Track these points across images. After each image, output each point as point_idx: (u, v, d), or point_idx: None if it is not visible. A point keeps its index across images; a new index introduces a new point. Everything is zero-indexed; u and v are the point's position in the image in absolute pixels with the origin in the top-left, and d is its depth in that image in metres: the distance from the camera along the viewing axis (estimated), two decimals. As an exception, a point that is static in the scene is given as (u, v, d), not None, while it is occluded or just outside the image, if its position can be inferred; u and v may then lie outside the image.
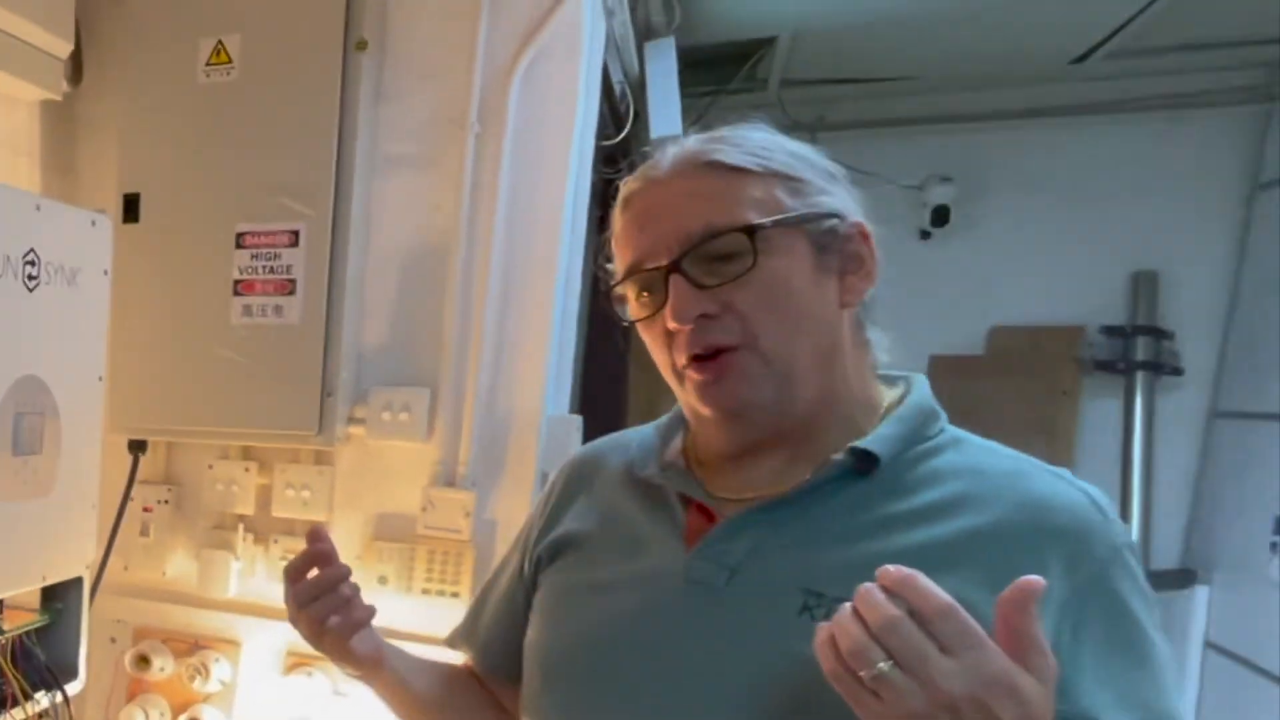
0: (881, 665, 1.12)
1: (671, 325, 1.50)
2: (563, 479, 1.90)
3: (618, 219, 1.63)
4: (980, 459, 1.52)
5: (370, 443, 2.88)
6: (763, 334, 1.47)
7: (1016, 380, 5.47)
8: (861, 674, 1.13)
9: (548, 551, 1.80)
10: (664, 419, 1.80)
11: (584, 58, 2.76)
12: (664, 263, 1.51)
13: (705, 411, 1.56)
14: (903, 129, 5.47)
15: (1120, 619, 1.39)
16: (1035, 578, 1.15)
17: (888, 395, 1.61)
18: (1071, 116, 5.30)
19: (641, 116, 3.57)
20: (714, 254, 1.48)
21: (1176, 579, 5.21)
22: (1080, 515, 1.42)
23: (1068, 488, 1.47)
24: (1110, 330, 5.35)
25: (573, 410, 2.98)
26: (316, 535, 1.78)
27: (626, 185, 1.64)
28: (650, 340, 1.61)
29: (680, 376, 1.56)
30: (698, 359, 1.51)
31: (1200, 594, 5.10)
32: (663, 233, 1.52)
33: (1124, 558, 1.42)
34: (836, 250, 1.51)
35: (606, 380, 3.62)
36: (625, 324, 1.65)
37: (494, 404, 2.81)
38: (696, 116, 4.09)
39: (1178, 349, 5.32)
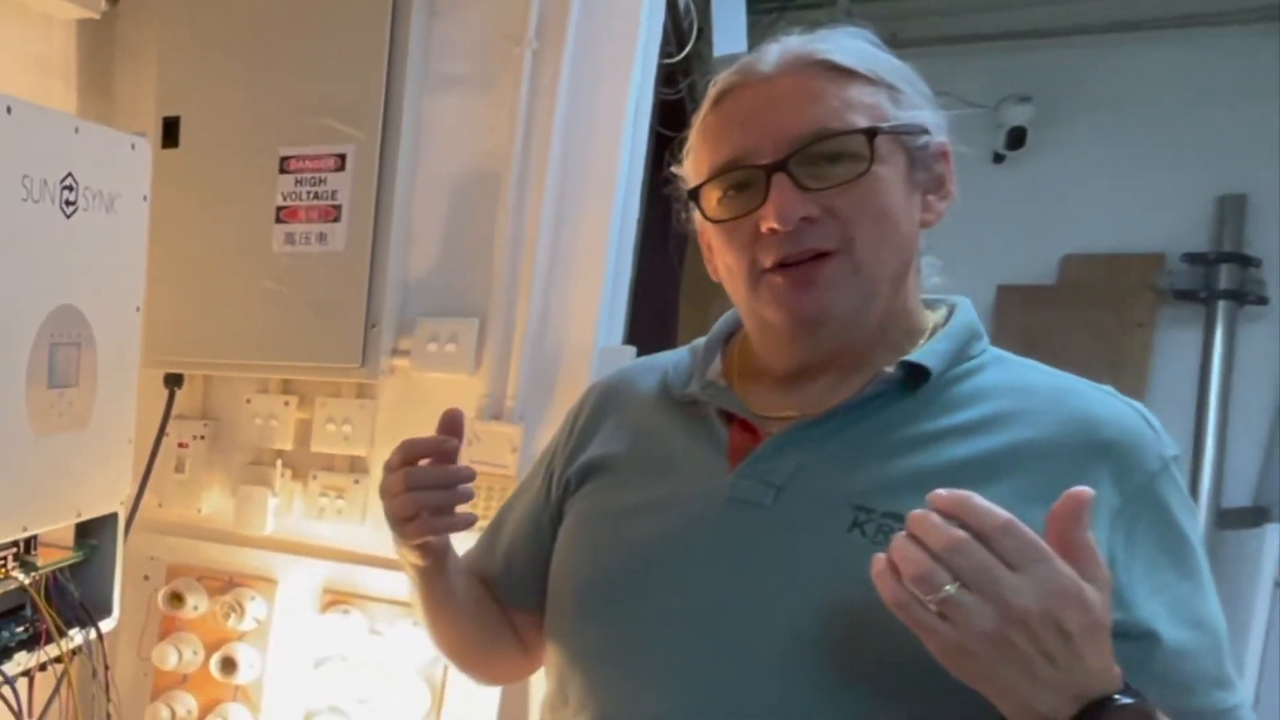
0: (949, 588, 1.15)
1: (770, 225, 1.49)
2: (590, 402, 1.91)
3: (707, 114, 1.63)
4: (1025, 375, 1.57)
5: (415, 375, 2.89)
6: (860, 242, 1.48)
7: (1089, 311, 5.44)
8: (928, 599, 1.16)
9: (577, 475, 1.82)
10: (699, 341, 1.81)
11: (648, -34, 2.72)
12: (767, 161, 1.50)
13: (777, 319, 1.57)
14: (978, 46, 5.40)
15: (1170, 531, 1.44)
16: (1085, 489, 1.19)
17: (931, 318, 1.64)
18: (1159, 30, 5.22)
19: (705, 32, 3.54)
20: (823, 156, 1.48)
21: (1249, 516, 5.22)
22: (1129, 428, 1.46)
23: (1115, 402, 1.51)
24: (1192, 257, 5.31)
25: (624, 342, 2.97)
26: (453, 422, 1.72)
27: (723, 80, 1.63)
28: (727, 242, 1.59)
29: (757, 281, 1.56)
30: (785, 265, 1.51)
31: (1272, 532, 5.09)
32: (768, 130, 1.52)
33: (1171, 471, 1.46)
34: (924, 167, 1.54)
35: (655, 312, 3.61)
36: (683, 226, 1.71)
37: (544, 335, 2.81)
38: (761, 35, 4.06)
39: (1264, 277, 5.28)
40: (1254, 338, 5.29)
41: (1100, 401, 1.50)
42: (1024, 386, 1.53)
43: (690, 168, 1.66)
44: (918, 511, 1.19)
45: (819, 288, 1.50)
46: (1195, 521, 1.47)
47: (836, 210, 1.47)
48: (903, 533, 1.19)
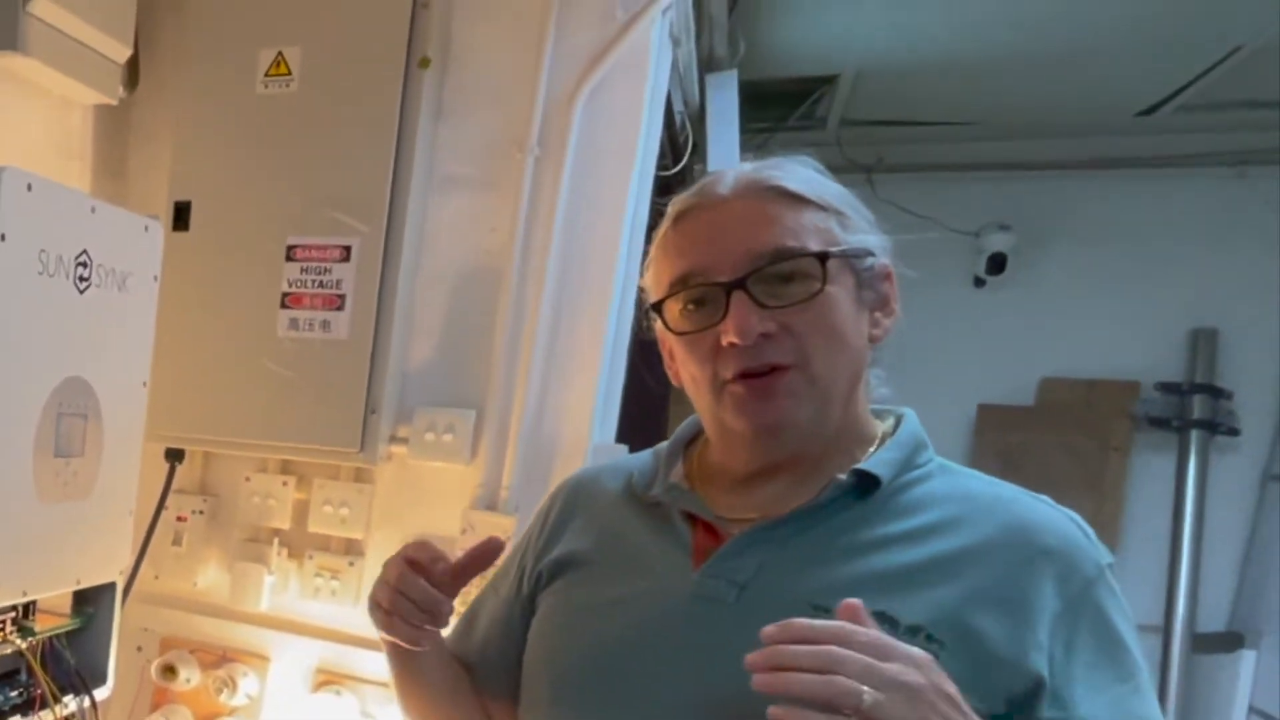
0: (866, 695, 1.17)
1: (731, 340, 1.53)
2: (560, 499, 1.92)
3: (667, 231, 1.68)
4: (967, 484, 1.61)
5: (412, 462, 2.88)
6: (815, 357, 1.52)
7: (1066, 434, 5.45)
8: (859, 706, 1.17)
9: (549, 570, 1.82)
10: (663, 445, 1.84)
11: (649, 85, 2.76)
12: (726, 278, 1.54)
13: (739, 426, 1.60)
14: (961, 174, 5.46)
15: (1107, 635, 1.46)
16: (854, 601, 1.27)
17: (881, 427, 1.67)
18: (1136, 169, 5.29)
19: (699, 148, 3.57)
20: (779, 275, 1.52)
21: (1223, 642, 5.19)
22: (1066, 536, 1.50)
23: (1051, 510, 1.55)
24: (1166, 387, 5.33)
25: (616, 440, 2.96)
26: (490, 549, 1.69)
27: (680, 201, 1.67)
28: (689, 353, 1.63)
29: (720, 391, 1.59)
30: (746, 376, 1.55)
31: (1247, 658, 5.08)
32: (727, 249, 1.56)
33: (1106, 578, 1.49)
34: (871, 286, 1.58)
35: (647, 413, 3.62)
36: (649, 337, 1.74)
37: (539, 428, 2.81)
38: (753, 152, 4.11)
39: (1235, 409, 5.29)
40: (1227, 466, 5.30)
41: (1037, 510, 1.54)
42: (966, 494, 1.57)
43: (651, 280, 1.70)
44: (785, 647, 1.22)
45: (778, 397, 1.54)
46: (1131, 627, 1.50)
47: (792, 327, 1.52)
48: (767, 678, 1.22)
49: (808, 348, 1.52)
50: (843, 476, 1.55)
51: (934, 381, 5.26)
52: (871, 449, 1.62)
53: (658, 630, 1.58)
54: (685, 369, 1.66)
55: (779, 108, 4.87)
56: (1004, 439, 5.49)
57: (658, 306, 1.67)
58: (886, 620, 1.40)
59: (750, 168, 1.63)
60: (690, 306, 1.61)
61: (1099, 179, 5.37)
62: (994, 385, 5.55)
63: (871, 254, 1.57)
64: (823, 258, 1.51)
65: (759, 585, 1.54)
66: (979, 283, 5.49)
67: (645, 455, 1.85)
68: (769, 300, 1.52)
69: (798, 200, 1.55)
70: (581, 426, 2.79)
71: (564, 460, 2.79)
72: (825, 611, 1.40)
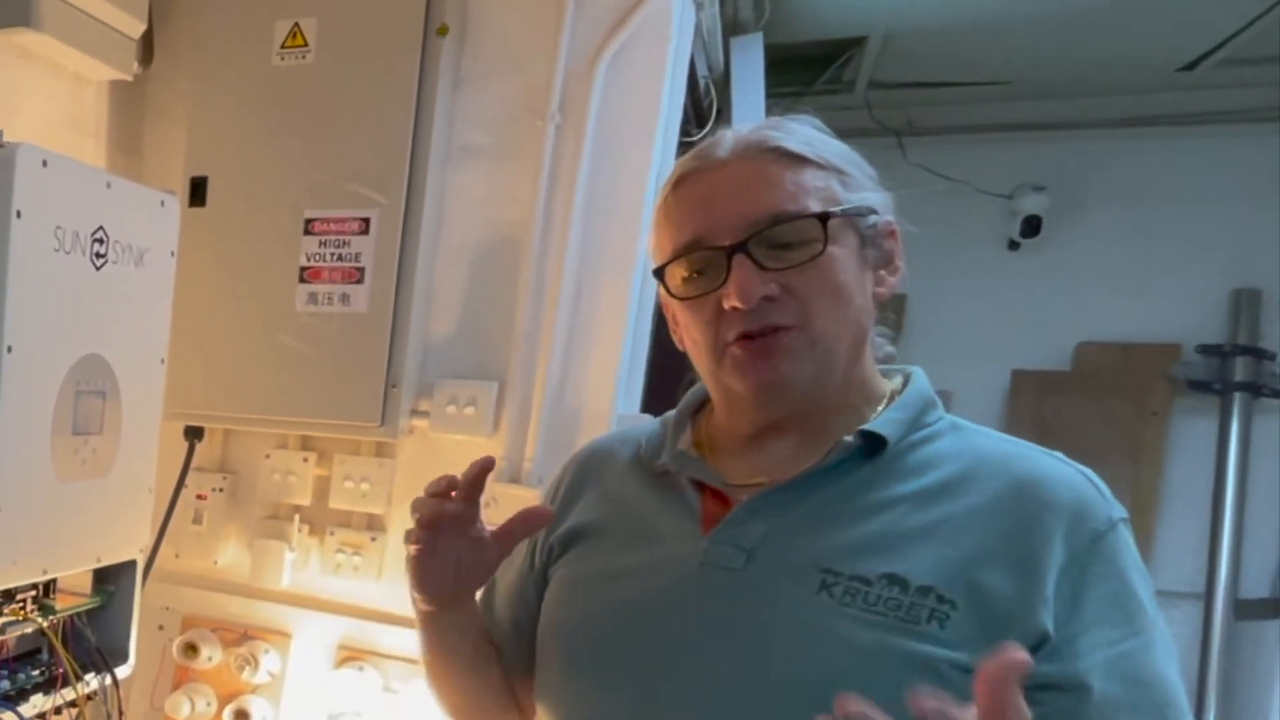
0: None
1: (733, 304, 1.55)
2: (570, 472, 1.95)
3: (668, 196, 1.69)
4: (977, 442, 1.62)
5: (433, 436, 2.90)
6: (816, 318, 1.54)
7: (1104, 399, 5.42)
8: None
9: (560, 542, 1.85)
10: (672, 412, 1.86)
11: (671, 49, 2.76)
12: (727, 243, 1.56)
13: (740, 386, 1.62)
14: (995, 135, 5.42)
15: (1118, 588, 1.45)
16: (1021, 655, 1.11)
17: (889, 387, 1.69)
18: (1176, 126, 5.24)
19: (724, 113, 3.56)
20: (779, 238, 1.54)
21: (1266, 608, 5.17)
22: (1078, 490, 1.51)
23: (1065, 466, 1.55)
24: (1207, 349, 5.30)
25: (641, 410, 2.98)
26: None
27: (680, 165, 1.69)
28: (693, 318, 1.65)
29: (722, 354, 1.61)
30: (747, 336, 1.57)
31: (1290, 625, 5.07)
32: (727, 213, 1.58)
33: (1120, 531, 1.49)
34: (874, 245, 1.61)
35: (671, 383, 3.63)
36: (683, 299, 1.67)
37: (563, 400, 2.83)
38: (779, 116, 4.10)
39: (1279, 370, 5.26)
40: (1270, 430, 5.26)
41: (1049, 465, 1.55)
42: (977, 453, 1.58)
43: (654, 246, 1.72)
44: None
45: (778, 357, 1.56)
46: (1146, 582, 1.49)
47: (794, 289, 1.54)
48: None
49: (809, 309, 1.54)
50: (849, 439, 1.57)
51: (967, 347, 5.27)
52: (880, 408, 1.64)
53: (667, 599, 1.60)
54: (688, 334, 1.69)
55: (806, 71, 4.85)
56: (1040, 405, 5.47)
57: (659, 272, 1.69)
58: (897, 582, 1.44)
59: (749, 129, 1.64)
60: (694, 273, 1.63)
61: (1137, 137, 5.33)
62: (1029, 350, 5.53)
63: (874, 211, 1.60)
64: (823, 218, 1.53)
65: (767, 550, 1.56)
66: (1013, 246, 5.47)
67: (654, 424, 1.87)
68: (770, 263, 1.54)
69: (798, 160, 1.57)
70: (605, 397, 2.80)
71: (588, 431, 2.80)
72: (833, 574, 1.48)
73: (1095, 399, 5.42)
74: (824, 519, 1.56)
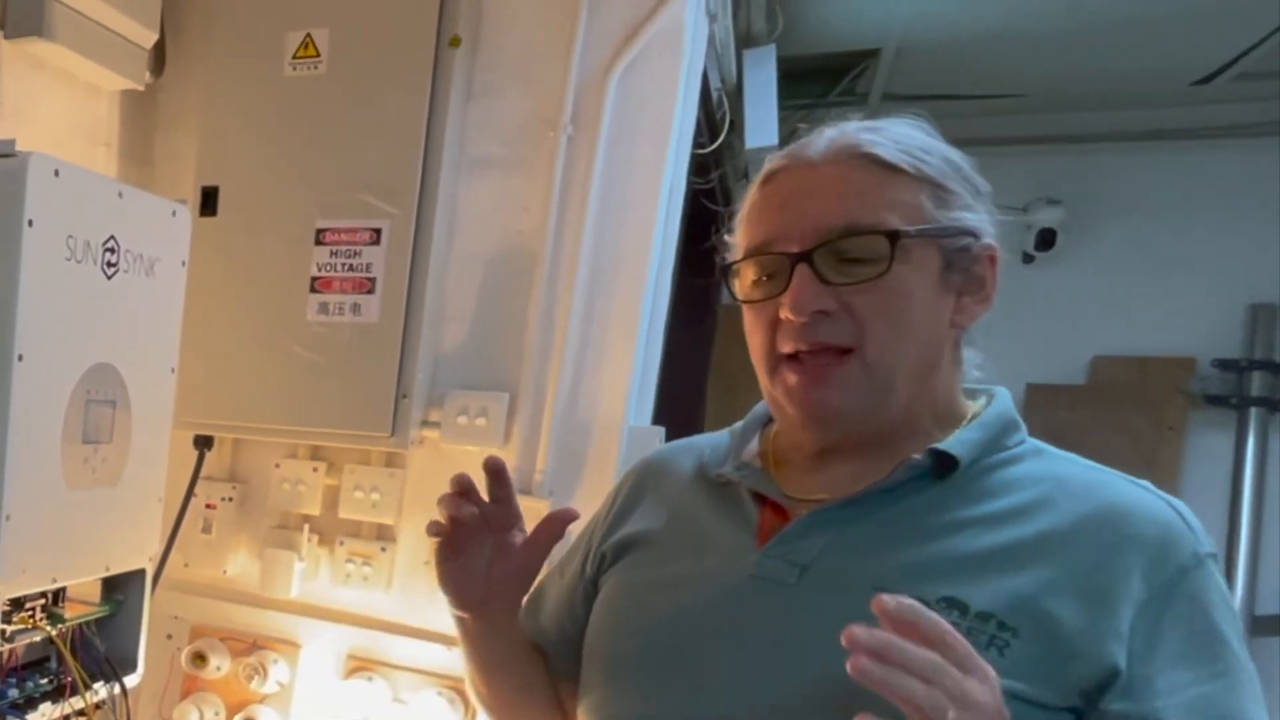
0: (951, 713, 1.16)
1: (786, 315, 1.52)
2: (631, 480, 1.93)
3: (755, 192, 1.65)
4: (1060, 468, 1.54)
5: (444, 447, 2.90)
6: (872, 341, 1.49)
7: (1119, 413, 5.43)
8: None
9: (613, 550, 1.83)
10: (739, 423, 1.83)
11: (684, 61, 2.76)
12: (794, 249, 1.52)
13: (791, 411, 1.59)
14: (1009, 148, 5.41)
15: (1200, 627, 1.39)
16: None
17: (971, 408, 1.63)
18: (1191, 139, 5.24)
19: (737, 125, 3.57)
20: (847, 252, 1.49)
21: (1281, 625, 5.17)
22: (1163, 523, 1.44)
23: (1151, 497, 1.49)
24: (1224, 364, 5.30)
25: (653, 423, 2.97)
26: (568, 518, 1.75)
27: (772, 161, 1.64)
28: (753, 323, 1.62)
29: (774, 367, 1.59)
30: (796, 356, 1.54)
31: (1307, 641, 5.05)
32: (800, 218, 1.53)
33: (1207, 568, 1.43)
34: (962, 269, 1.53)
35: (684, 396, 3.63)
36: (730, 301, 1.68)
37: (574, 411, 2.83)
38: (792, 129, 4.10)
39: (1296, 386, 5.24)
40: (1286, 445, 5.27)
41: (1134, 495, 1.48)
42: (1058, 479, 1.51)
43: (736, 240, 1.68)
44: (899, 643, 1.20)
45: (830, 387, 1.52)
46: (1234, 621, 1.43)
47: (853, 307, 1.49)
48: (873, 668, 1.19)
49: (866, 331, 1.49)
50: (917, 456, 1.51)
51: (978, 353, 5.27)
52: (957, 430, 1.57)
53: (715, 611, 1.57)
54: (749, 339, 1.65)
55: (819, 83, 4.84)
56: (1054, 419, 5.45)
57: (726, 269, 1.67)
58: (956, 606, 1.40)
59: (851, 129, 1.58)
60: (763, 277, 1.59)
61: (1152, 151, 5.34)
62: (1043, 364, 5.52)
63: (969, 234, 1.53)
64: (893, 237, 1.47)
65: (822, 567, 1.52)
66: (1027, 259, 5.47)
67: (722, 434, 1.84)
68: (834, 276, 1.49)
69: (888, 170, 1.51)
70: (617, 408, 2.80)
71: (599, 443, 2.81)
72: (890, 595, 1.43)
73: (1110, 413, 5.42)
74: (885, 538, 1.52)
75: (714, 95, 3.44)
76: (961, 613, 1.39)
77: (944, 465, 1.51)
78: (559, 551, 1.83)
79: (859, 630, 1.20)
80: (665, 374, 2.94)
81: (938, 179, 1.52)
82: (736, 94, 3.69)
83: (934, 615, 1.21)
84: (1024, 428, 1.60)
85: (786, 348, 1.55)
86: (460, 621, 1.86)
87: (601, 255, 2.80)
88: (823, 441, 1.61)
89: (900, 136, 1.55)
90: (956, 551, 1.46)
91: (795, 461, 1.69)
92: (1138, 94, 4.98)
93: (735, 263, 1.65)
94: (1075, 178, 5.43)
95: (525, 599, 1.93)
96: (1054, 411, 5.47)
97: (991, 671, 1.22)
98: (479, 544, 1.76)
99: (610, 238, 2.79)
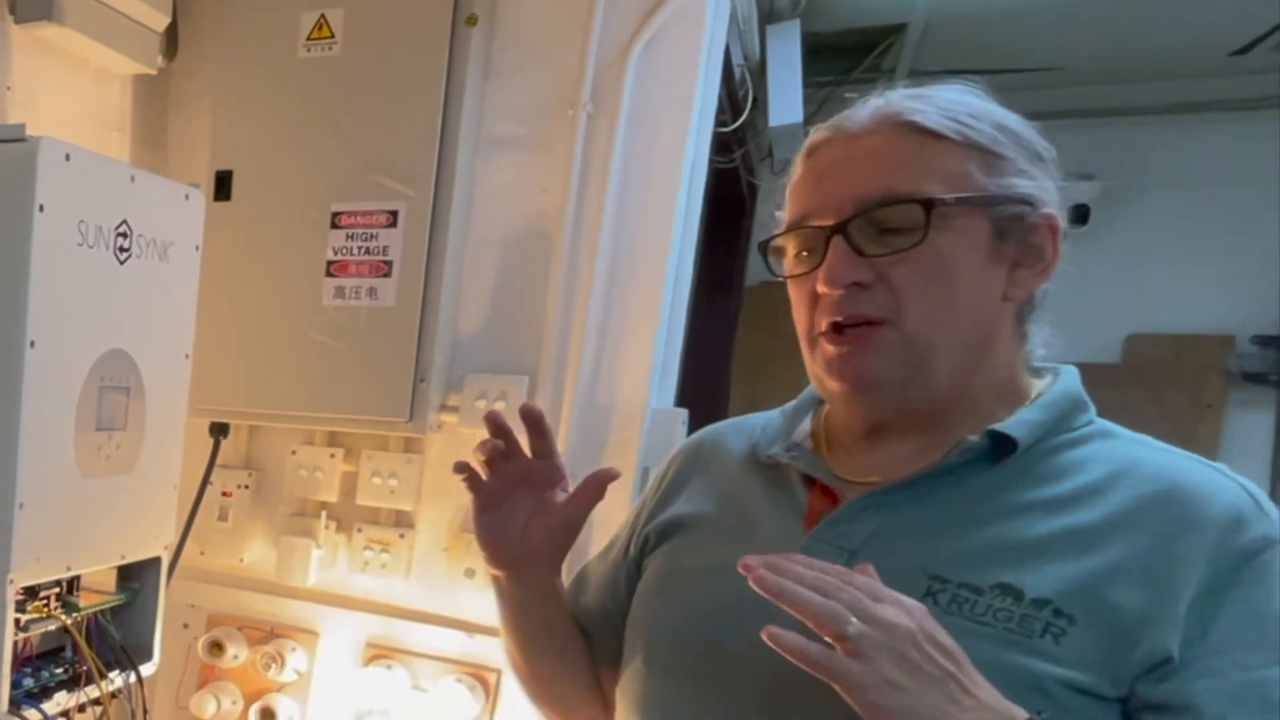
0: (852, 625, 1.22)
1: (820, 288, 1.52)
2: (679, 460, 1.93)
3: (799, 167, 1.63)
4: (1130, 450, 1.51)
5: (463, 431, 2.90)
6: (910, 313, 1.48)
7: (1156, 392, 5.41)
8: (839, 639, 1.23)
9: (656, 533, 1.83)
10: (792, 403, 1.82)
11: (706, 37, 2.75)
12: (830, 222, 1.51)
13: (831, 385, 1.58)
14: (1040, 123, 5.38)
15: (1263, 609, 1.34)
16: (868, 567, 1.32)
17: (1036, 386, 1.61)
18: (1229, 111, 5.22)
19: (760, 102, 3.57)
20: (884, 222, 1.48)
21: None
22: (1234, 504, 1.40)
23: (1222, 479, 1.44)
24: (1263, 340, 5.28)
25: (676, 405, 2.97)
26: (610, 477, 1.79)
27: (815, 133, 1.63)
28: (796, 299, 1.61)
29: (814, 343, 1.58)
30: (835, 329, 1.52)
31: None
32: (837, 190, 1.52)
33: (1277, 552, 1.37)
34: (1017, 239, 1.50)
35: (707, 378, 3.64)
36: (780, 278, 1.64)
37: (595, 394, 2.84)
38: (816, 106, 4.08)
39: (1338, 363, 5.22)
40: (1327, 424, 5.25)
41: (1203, 476, 1.44)
42: (1125, 461, 1.48)
43: (783, 217, 1.65)
44: (789, 560, 1.30)
45: (867, 356, 1.51)
46: None
47: (890, 278, 1.48)
48: (769, 577, 1.28)
49: (904, 302, 1.47)
50: (973, 438, 1.49)
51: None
52: (1019, 410, 1.54)
53: (756, 598, 1.45)
54: (795, 316, 1.63)
55: (844, 59, 4.82)
56: (1089, 397, 5.44)
57: (764, 246, 1.66)
58: (1010, 592, 1.38)
59: (895, 96, 1.56)
60: (803, 252, 1.59)
61: (1189, 124, 5.33)
62: (1078, 343, 5.37)
63: (1024, 201, 1.49)
64: (928, 205, 1.44)
65: (871, 552, 1.49)
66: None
67: (774, 414, 1.82)
68: (870, 247, 1.48)
69: (931, 137, 1.48)
70: (639, 391, 2.80)
71: (621, 426, 2.81)
72: (940, 581, 1.43)
73: (1147, 392, 5.40)
74: (938, 522, 1.50)
75: (737, 72, 3.44)
76: (1016, 599, 1.38)
77: (1003, 447, 1.49)
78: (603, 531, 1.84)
79: (751, 558, 1.30)
80: (688, 356, 2.94)
81: (987, 145, 1.50)
82: (760, 71, 3.69)
83: (827, 564, 1.31)
84: (1092, 408, 1.58)
85: (823, 322, 1.54)
86: (496, 582, 1.88)
87: (622, 236, 2.80)
88: (868, 417, 1.60)
89: (947, 103, 1.53)
90: (1012, 537, 1.44)
91: (846, 443, 1.67)
92: (1174, 65, 4.96)
93: (775, 237, 1.64)
94: (1109, 152, 5.39)
95: (570, 581, 1.99)
96: (1089, 390, 5.43)
97: (916, 604, 1.28)
98: (518, 499, 1.79)
99: (631, 218, 2.79)
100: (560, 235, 2.82)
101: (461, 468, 1.80)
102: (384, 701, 2.95)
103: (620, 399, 2.83)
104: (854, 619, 1.22)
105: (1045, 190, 1.54)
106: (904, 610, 1.25)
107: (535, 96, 2.88)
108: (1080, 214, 5.38)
